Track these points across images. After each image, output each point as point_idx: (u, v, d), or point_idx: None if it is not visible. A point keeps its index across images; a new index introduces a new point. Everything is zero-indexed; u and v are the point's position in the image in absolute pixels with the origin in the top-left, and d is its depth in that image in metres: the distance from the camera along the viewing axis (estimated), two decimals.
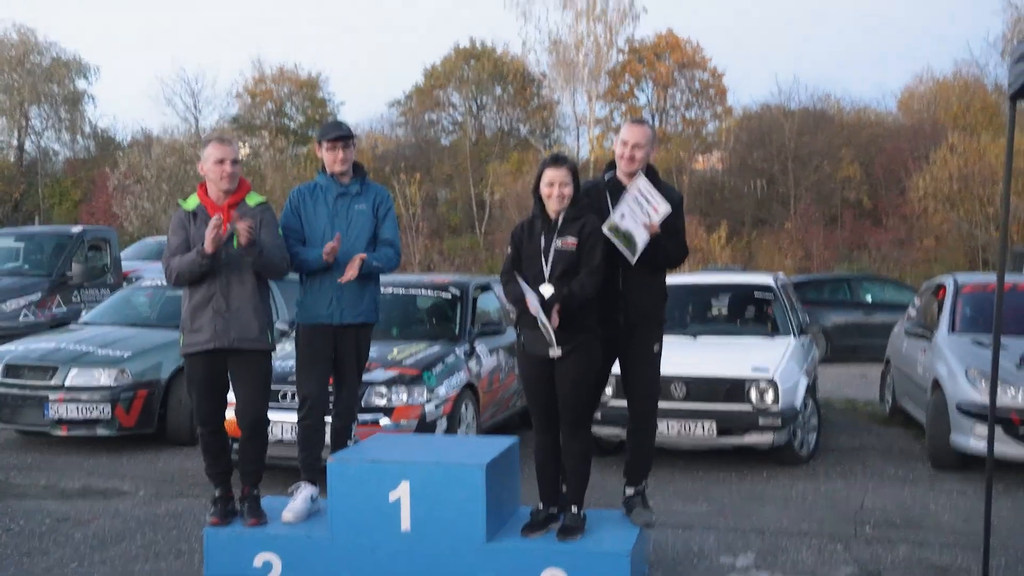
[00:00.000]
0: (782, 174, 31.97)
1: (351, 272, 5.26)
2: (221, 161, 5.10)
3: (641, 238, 4.88)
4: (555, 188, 4.71)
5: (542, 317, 4.54)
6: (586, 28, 32.57)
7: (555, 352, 4.64)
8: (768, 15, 55.81)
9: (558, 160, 4.81)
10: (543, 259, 4.72)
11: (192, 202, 5.22)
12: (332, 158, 5.43)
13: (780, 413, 7.45)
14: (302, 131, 41.80)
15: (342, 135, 5.43)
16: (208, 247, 4.87)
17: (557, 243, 4.71)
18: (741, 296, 9.74)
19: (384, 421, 7.01)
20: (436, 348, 7.86)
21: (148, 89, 61.54)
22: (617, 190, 5.06)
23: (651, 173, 5.16)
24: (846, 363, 15.26)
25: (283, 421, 6.66)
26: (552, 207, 4.73)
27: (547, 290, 4.65)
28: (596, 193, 5.08)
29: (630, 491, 5.23)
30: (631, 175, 5.07)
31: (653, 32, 37.12)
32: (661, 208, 4.89)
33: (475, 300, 8.81)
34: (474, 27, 71.00)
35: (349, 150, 5.46)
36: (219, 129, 37.02)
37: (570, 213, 4.74)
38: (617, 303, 4.99)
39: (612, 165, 5.20)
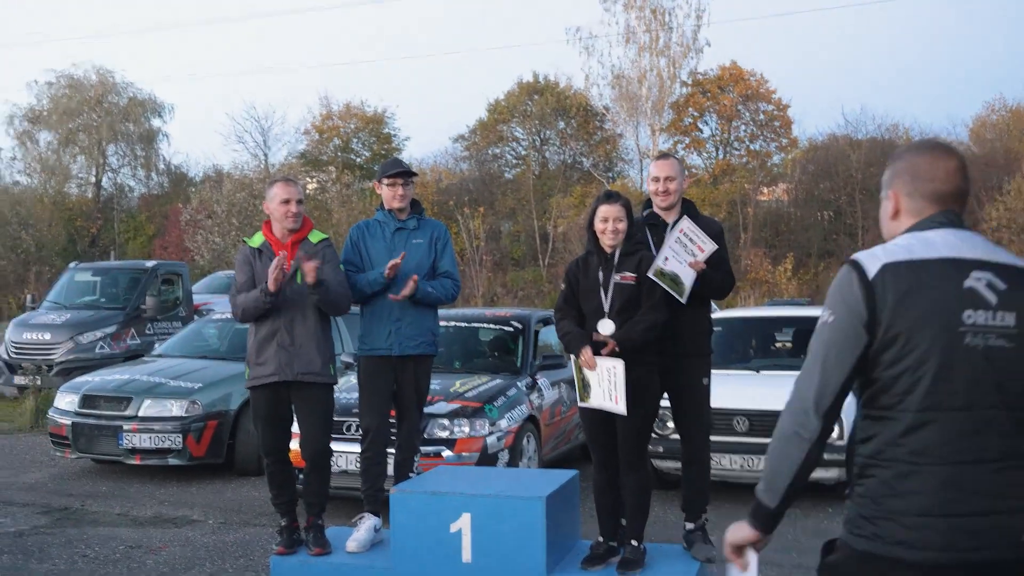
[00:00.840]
0: (849, 205, 31.59)
1: (406, 291, 5.33)
2: (287, 201, 5.25)
3: (688, 277, 4.92)
4: (609, 223, 4.77)
5: (615, 396, 4.58)
6: (649, 62, 32.66)
7: (621, 411, 4.68)
8: (833, 45, 55.41)
9: (611, 196, 4.87)
10: (602, 294, 4.77)
11: (257, 239, 5.38)
12: (391, 194, 5.55)
13: (845, 448, 7.32)
14: (368, 166, 42.49)
15: (402, 172, 5.55)
16: (271, 285, 5.01)
17: (615, 278, 4.76)
18: (805, 330, 9.64)
19: (446, 453, 7.08)
20: (498, 381, 7.93)
21: (220, 127, 63.33)
22: (655, 226, 5.14)
23: (688, 207, 5.22)
24: None
25: (347, 452, 6.76)
26: (607, 242, 4.79)
27: (607, 326, 4.70)
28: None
29: (690, 525, 5.21)
30: (668, 209, 5.14)
31: (716, 65, 37.08)
32: (707, 247, 4.94)
33: (536, 333, 8.87)
34: (537, 62, 71.75)
35: (408, 187, 5.57)
36: (286, 166, 37.79)
37: (626, 248, 4.79)
38: (666, 337, 5.02)
39: (649, 203, 5.27)
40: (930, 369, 2.22)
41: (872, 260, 2.29)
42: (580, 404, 4.84)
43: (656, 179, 5.15)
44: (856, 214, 31.27)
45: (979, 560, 2.22)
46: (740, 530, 2.46)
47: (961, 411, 2.23)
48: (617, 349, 4.63)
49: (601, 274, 4.80)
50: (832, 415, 2.32)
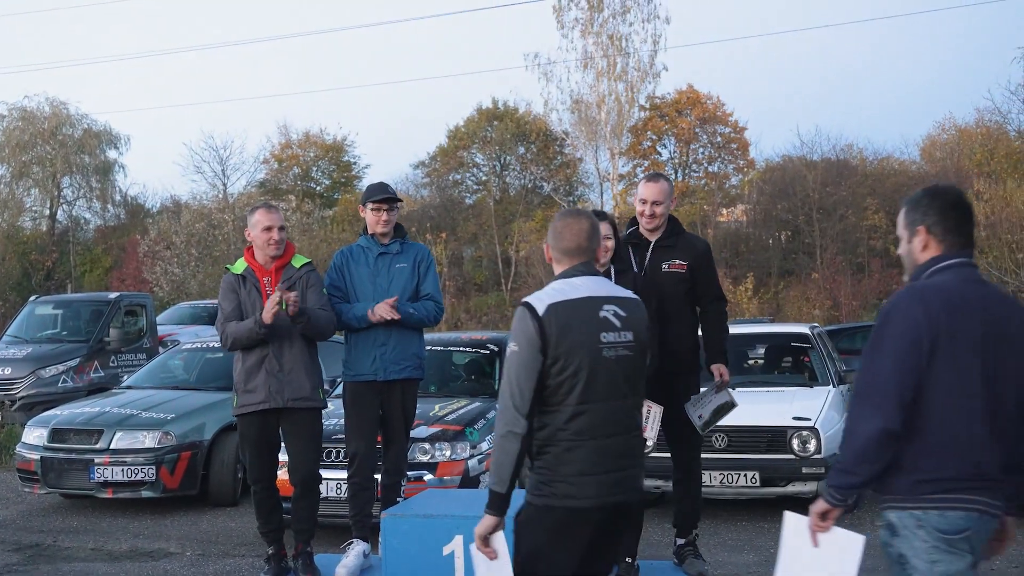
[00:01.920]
0: (807, 225, 31.98)
1: (384, 314, 5.28)
2: (269, 228, 5.24)
3: (724, 398, 5.01)
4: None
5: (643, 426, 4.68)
6: (607, 87, 32.91)
7: (651, 442, 4.75)
8: (788, 68, 56.32)
9: (600, 215, 4.91)
10: None
11: (240, 266, 5.36)
12: (375, 219, 5.53)
13: (823, 461, 7.42)
14: (328, 194, 42.34)
15: (387, 198, 5.54)
16: (266, 318, 4.99)
17: None
18: (777, 346, 9.77)
19: (428, 477, 7.05)
20: (477, 404, 7.92)
21: (177, 157, 62.63)
22: (638, 245, 5.19)
23: (672, 224, 5.27)
24: None
25: (331, 479, 6.70)
26: (600, 260, 4.82)
27: None
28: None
29: (681, 541, 5.24)
30: (652, 231, 5.19)
31: (674, 88, 37.43)
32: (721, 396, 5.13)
33: None
34: (496, 88, 72.04)
35: (393, 212, 5.56)
36: (245, 195, 37.54)
37: (619, 266, 4.85)
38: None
39: (634, 221, 5.31)
40: (583, 376, 3.17)
41: (540, 302, 3.22)
42: None
43: (643, 200, 5.18)
44: (814, 233, 31.65)
45: (614, 502, 3.22)
46: (483, 522, 3.23)
47: (604, 402, 3.20)
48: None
49: None
50: (531, 415, 3.16)
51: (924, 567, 2.86)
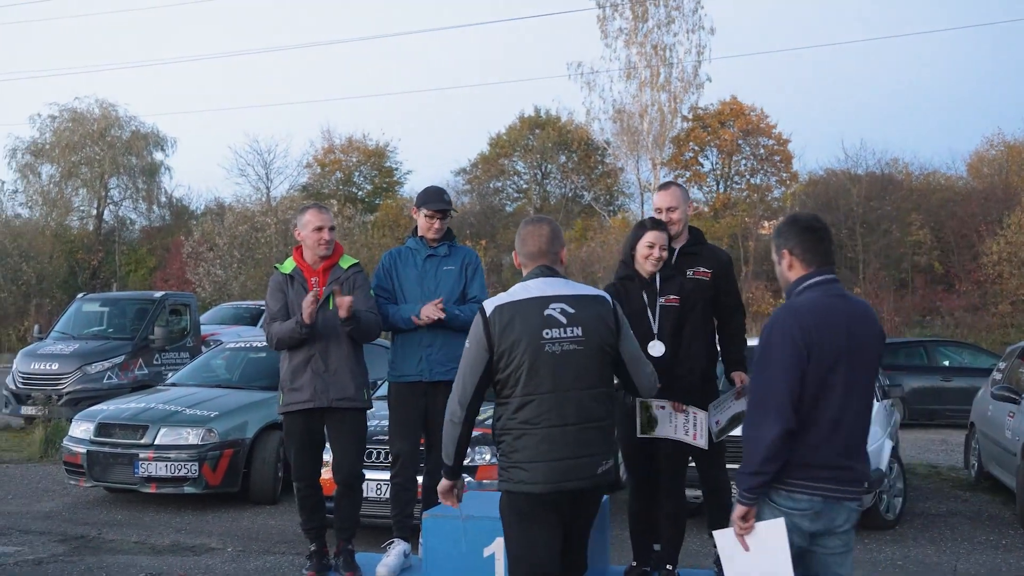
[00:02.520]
0: (850, 239, 31.65)
1: (430, 314, 5.31)
2: (320, 229, 5.28)
3: (741, 407, 5.00)
4: (655, 250, 4.83)
5: (694, 433, 4.72)
6: (650, 97, 32.85)
7: (703, 445, 4.74)
8: (833, 80, 55.90)
9: (658, 224, 4.95)
10: (650, 317, 4.81)
11: (288, 265, 5.40)
12: (428, 225, 5.56)
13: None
14: (369, 200, 42.63)
15: (442, 208, 5.56)
16: (306, 319, 5.04)
17: (661, 300, 4.81)
18: None
19: (468, 480, 7.06)
20: None
21: (222, 160, 63.48)
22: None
23: (695, 235, 5.24)
24: (924, 428, 14.96)
25: (373, 479, 6.75)
26: (649, 268, 4.84)
27: (658, 348, 4.74)
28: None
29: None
30: (673, 238, 5.15)
31: (717, 100, 37.30)
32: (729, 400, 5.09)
33: None
34: (539, 96, 72.16)
35: (445, 221, 5.59)
36: (288, 199, 37.88)
37: (664, 273, 4.86)
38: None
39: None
40: (525, 369, 3.48)
41: (490, 304, 3.58)
42: (640, 435, 4.82)
43: (659, 210, 5.19)
44: (857, 247, 31.33)
45: (569, 488, 3.51)
46: (441, 483, 3.82)
47: (548, 394, 3.48)
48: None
49: (646, 297, 4.84)
50: (472, 407, 3.60)
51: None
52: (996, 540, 7.51)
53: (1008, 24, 51.53)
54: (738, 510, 3.39)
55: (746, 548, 3.42)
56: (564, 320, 3.50)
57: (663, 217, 5.16)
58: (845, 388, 3.36)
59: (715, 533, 3.61)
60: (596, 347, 3.54)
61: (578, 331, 3.51)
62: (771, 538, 3.39)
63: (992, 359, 15.00)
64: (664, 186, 5.37)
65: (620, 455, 5.46)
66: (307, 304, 5.03)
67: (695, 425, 4.75)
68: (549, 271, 3.65)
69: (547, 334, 3.48)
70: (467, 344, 3.58)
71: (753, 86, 64.30)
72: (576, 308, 3.54)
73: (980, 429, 9.80)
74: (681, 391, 4.75)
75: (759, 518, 3.38)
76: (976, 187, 33.62)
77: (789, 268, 3.53)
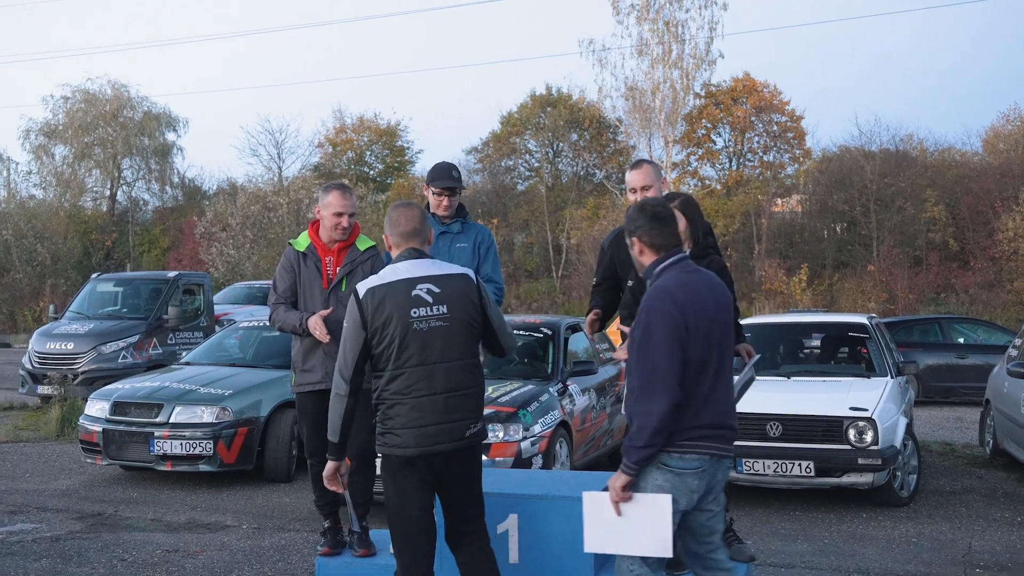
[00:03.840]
0: (863, 216, 31.46)
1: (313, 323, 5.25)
2: (339, 214, 5.26)
3: (748, 374, 4.96)
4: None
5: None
6: (662, 74, 32.61)
7: None
8: (847, 56, 55.43)
9: (671, 197, 4.89)
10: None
11: (303, 242, 5.38)
12: (437, 202, 5.56)
13: (880, 453, 7.33)
14: (381, 179, 42.61)
15: (450, 186, 5.54)
16: (320, 337, 5.09)
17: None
18: (835, 336, 9.65)
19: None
20: (530, 386, 7.94)
21: (234, 140, 63.60)
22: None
23: (689, 205, 5.16)
24: (939, 406, 14.91)
25: None
26: None
27: None
28: (622, 241, 5.12)
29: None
30: None
31: (730, 76, 37.00)
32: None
33: (566, 340, 8.88)
34: (550, 74, 71.92)
35: (455, 198, 5.58)
36: (299, 179, 37.88)
37: (695, 252, 4.80)
38: None
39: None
40: (396, 345, 3.86)
41: (363, 287, 3.94)
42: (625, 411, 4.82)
43: (632, 190, 5.14)
44: (871, 225, 31.14)
45: (437, 451, 3.89)
46: (328, 465, 4.13)
47: (417, 367, 3.85)
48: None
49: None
50: (355, 379, 3.94)
51: (650, 488, 3.68)
52: (1011, 517, 7.49)
53: None
54: (621, 479, 3.65)
55: (618, 513, 3.68)
56: (430, 299, 3.89)
57: (637, 197, 5.09)
58: (719, 354, 3.73)
59: (584, 495, 3.81)
60: (461, 322, 3.93)
61: (443, 308, 3.90)
62: (656, 511, 3.63)
63: (1007, 336, 14.92)
64: (635, 164, 5.28)
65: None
66: (315, 326, 5.07)
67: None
68: (417, 253, 4.03)
69: (415, 312, 3.87)
70: (345, 323, 3.97)
71: (766, 62, 63.81)
72: (441, 287, 3.93)
73: (995, 406, 9.75)
74: None
75: (643, 486, 3.67)
76: (991, 163, 33.31)
77: (640, 254, 3.86)
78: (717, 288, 3.84)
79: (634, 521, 3.69)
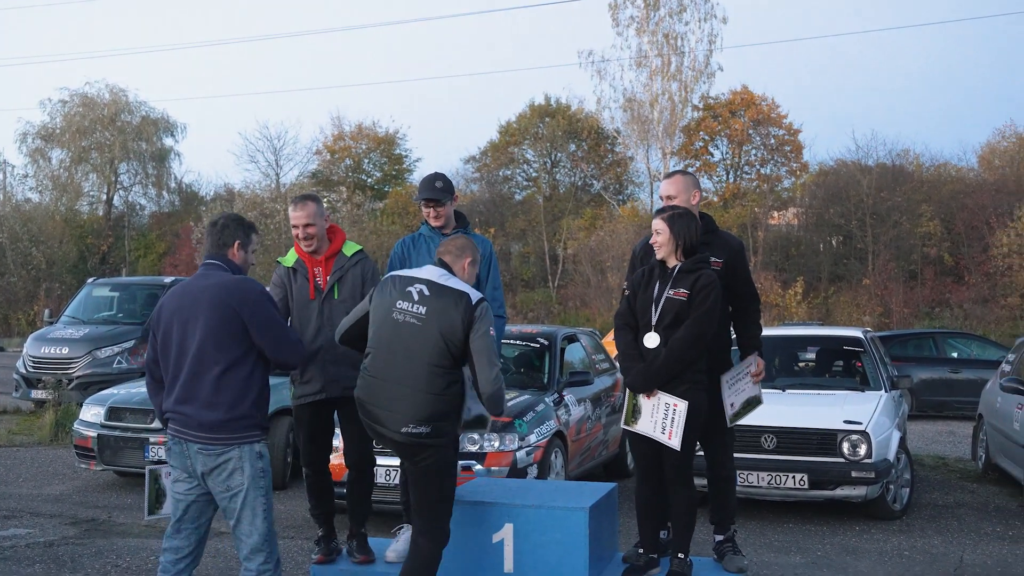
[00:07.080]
0: (859, 230, 31.56)
1: None
2: (295, 227, 5.24)
3: (755, 391, 4.98)
4: (656, 237, 4.82)
5: (669, 431, 4.67)
6: (660, 86, 32.83)
7: (676, 445, 4.69)
8: (844, 70, 55.64)
9: (662, 211, 4.92)
10: (653, 307, 4.80)
11: (290, 258, 5.34)
12: (426, 213, 5.53)
13: (873, 466, 7.36)
14: (379, 187, 42.65)
15: (432, 197, 5.46)
16: None
17: (669, 292, 4.78)
18: (830, 349, 9.68)
19: (476, 467, 7.10)
20: (526, 396, 7.96)
21: (232, 146, 63.61)
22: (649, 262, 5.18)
23: (706, 220, 5.24)
24: (932, 420, 14.95)
25: (383, 465, 6.78)
26: (659, 255, 4.83)
27: (652, 339, 4.73)
28: (647, 250, 5.16)
29: (719, 537, 5.25)
30: None
31: (728, 89, 37.18)
32: (753, 368, 5.13)
33: (563, 350, 8.90)
34: (549, 84, 72.09)
35: (443, 207, 5.51)
36: (297, 185, 37.88)
37: (686, 265, 4.81)
38: (713, 354, 5.05)
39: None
40: (376, 328, 4.36)
41: (390, 274, 4.56)
42: (624, 427, 4.85)
43: (662, 198, 5.25)
44: (867, 239, 31.25)
45: (380, 433, 4.33)
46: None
47: (383, 351, 4.30)
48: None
49: (657, 288, 4.83)
50: (343, 339, 4.64)
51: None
52: (1003, 531, 7.52)
53: (1021, 15, 51.20)
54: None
55: None
56: (416, 298, 4.29)
57: (667, 205, 5.17)
58: (182, 351, 4.37)
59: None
60: (433, 329, 4.22)
61: (421, 310, 4.26)
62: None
63: (1001, 351, 14.96)
64: (668, 175, 5.38)
65: (628, 443, 5.48)
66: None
67: (673, 422, 4.64)
68: (443, 264, 4.46)
69: (399, 304, 4.30)
70: (365, 300, 4.56)
71: (764, 76, 64.11)
72: (431, 293, 4.30)
73: (988, 421, 9.79)
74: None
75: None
76: (987, 179, 33.46)
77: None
78: (209, 290, 4.34)
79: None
